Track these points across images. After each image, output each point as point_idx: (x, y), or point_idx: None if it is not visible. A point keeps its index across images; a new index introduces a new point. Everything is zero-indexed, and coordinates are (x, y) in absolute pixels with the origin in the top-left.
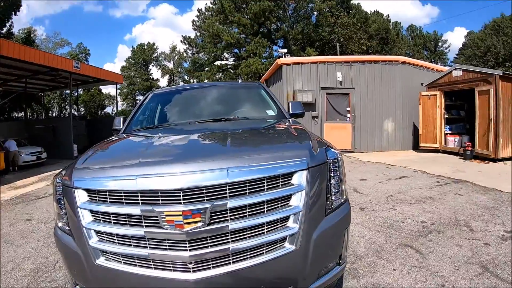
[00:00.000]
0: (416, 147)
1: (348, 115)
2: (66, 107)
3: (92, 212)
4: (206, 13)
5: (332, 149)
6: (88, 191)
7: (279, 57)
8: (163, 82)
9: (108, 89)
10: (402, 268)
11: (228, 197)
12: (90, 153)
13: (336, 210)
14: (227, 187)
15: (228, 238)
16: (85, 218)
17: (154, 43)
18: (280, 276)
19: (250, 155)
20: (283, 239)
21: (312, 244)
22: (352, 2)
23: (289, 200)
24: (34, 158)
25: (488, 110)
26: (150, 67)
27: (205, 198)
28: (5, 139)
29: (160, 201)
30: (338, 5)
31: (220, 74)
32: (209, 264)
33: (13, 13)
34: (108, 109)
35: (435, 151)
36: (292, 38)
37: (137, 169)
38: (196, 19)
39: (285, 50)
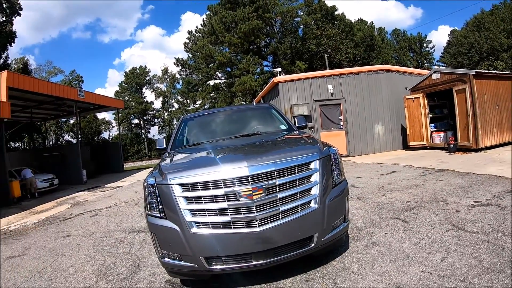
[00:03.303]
0: (405, 147)
1: (341, 123)
2: (63, 134)
3: (186, 198)
4: (197, 34)
5: (332, 147)
6: (182, 185)
7: (273, 74)
8: (157, 104)
9: (103, 115)
10: (392, 232)
11: (276, 178)
12: (168, 164)
13: (339, 185)
14: (275, 173)
15: (278, 203)
16: (182, 203)
17: (146, 66)
18: (309, 226)
19: (285, 153)
20: (309, 202)
21: (327, 205)
22: (336, 13)
23: (310, 178)
24: (48, 185)
25: (465, 107)
26: (144, 90)
27: (263, 179)
28: (21, 167)
29: (236, 184)
30: (323, 17)
31: (213, 93)
32: (267, 221)
33: (8, 44)
34: (105, 135)
35: (423, 148)
36: (282, 53)
37: (218, 167)
38: (187, 41)
39: (280, 69)
